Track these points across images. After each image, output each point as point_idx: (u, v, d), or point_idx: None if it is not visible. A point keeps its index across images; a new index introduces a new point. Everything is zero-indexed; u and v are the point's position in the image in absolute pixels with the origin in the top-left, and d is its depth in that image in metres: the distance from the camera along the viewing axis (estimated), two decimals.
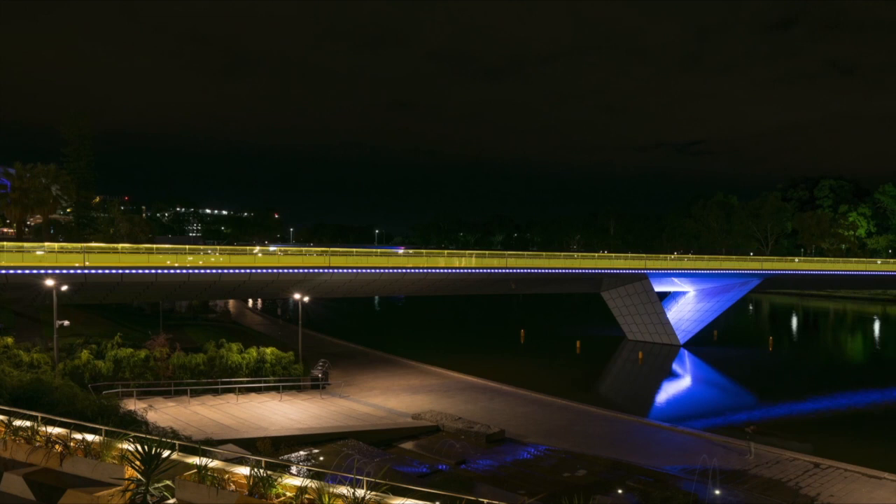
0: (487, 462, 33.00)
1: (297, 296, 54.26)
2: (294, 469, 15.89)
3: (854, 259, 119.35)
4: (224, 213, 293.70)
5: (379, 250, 68.04)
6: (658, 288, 76.27)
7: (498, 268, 65.78)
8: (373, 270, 58.67)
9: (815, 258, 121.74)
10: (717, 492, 28.31)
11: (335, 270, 56.30)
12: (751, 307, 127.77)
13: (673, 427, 41.70)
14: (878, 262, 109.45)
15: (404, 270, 60.51)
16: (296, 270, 54.93)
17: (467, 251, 70.77)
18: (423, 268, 61.63)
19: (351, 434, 35.78)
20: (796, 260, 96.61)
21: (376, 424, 38.34)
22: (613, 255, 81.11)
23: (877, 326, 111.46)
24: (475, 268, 64.72)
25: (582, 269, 71.33)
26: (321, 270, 55.75)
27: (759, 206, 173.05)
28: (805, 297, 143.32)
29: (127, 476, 14.96)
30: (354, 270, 57.56)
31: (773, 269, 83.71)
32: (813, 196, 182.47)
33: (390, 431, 37.38)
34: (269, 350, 49.41)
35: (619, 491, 28.44)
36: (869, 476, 31.42)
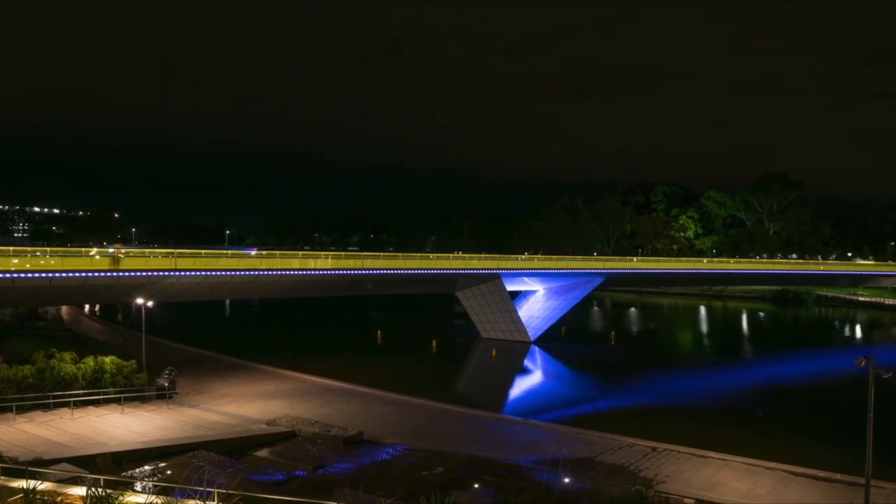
0: (346, 465, 32.61)
1: (140, 300, 50.88)
2: (138, 485, 14.89)
3: (684, 259, 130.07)
4: (56, 211, 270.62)
5: (230, 251, 65.29)
6: (510, 287, 79.00)
7: (354, 269, 65.31)
8: (223, 273, 56.20)
9: (651, 258, 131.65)
10: (567, 479, 29.73)
11: (182, 273, 53.38)
12: (595, 304, 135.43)
13: (525, 421, 43.30)
14: (705, 261, 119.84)
15: (257, 272, 58.53)
16: (138, 273, 51.51)
17: (323, 252, 69.80)
18: (276, 269, 59.92)
19: (201, 444, 34.05)
20: (635, 259, 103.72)
21: (228, 433, 36.75)
22: (468, 255, 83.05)
23: (703, 319, 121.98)
24: (331, 269, 63.83)
25: (437, 269, 72.44)
26: (167, 273, 52.67)
27: (601, 210, 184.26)
28: (643, 293, 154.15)
29: None
30: (203, 273, 54.84)
31: (614, 269, 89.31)
32: (649, 200, 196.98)
33: (243, 439, 35.98)
34: (108, 359, 45.98)
35: (476, 486, 29.08)
36: (698, 456, 34.24)
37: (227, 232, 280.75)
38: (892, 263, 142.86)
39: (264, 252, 66.28)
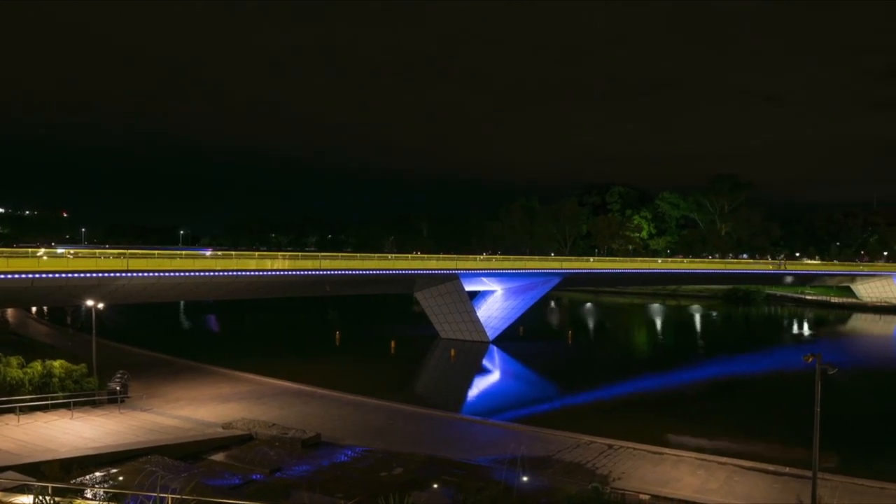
0: (303, 468, 32.31)
1: (90, 302, 49.58)
2: (89, 493, 14.50)
3: (639, 259, 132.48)
4: (1, 210, 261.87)
5: (184, 252, 64.20)
6: (468, 287, 79.28)
7: (311, 269, 64.72)
8: (177, 273, 55.14)
9: (607, 258, 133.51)
10: (525, 478, 30.00)
11: (135, 274, 52.22)
12: (552, 304, 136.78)
13: (484, 420, 43.53)
14: (659, 261, 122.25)
15: (212, 273, 57.56)
16: (89, 274, 50.16)
17: (280, 252, 69.02)
18: (232, 270, 59.06)
19: (154, 449, 33.33)
20: (591, 260, 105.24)
21: (183, 437, 36.07)
22: (426, 256, 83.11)
23: (658, 318, 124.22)
24: (288, 270, 63.17)
25: (396, 270, 72.28)
26: (118, 274, 51.44)
27: (558, 210, 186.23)
28: (599, 293, 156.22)
29: None
30: (156, 274, 53.75)
31: (571, 269, 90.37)
32: (605, 201, 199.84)
33: (199, 443, 35.36)
34: (57, 363, 44.60)
35: (435, 486, 29.10)
36: (653, 453, 34.88)
37: (182, 232, 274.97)
38: (837, 263, 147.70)
39: (220, 253, 65.37)
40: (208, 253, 65.28)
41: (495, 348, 77.14)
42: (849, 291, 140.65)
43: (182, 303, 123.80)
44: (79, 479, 28.51)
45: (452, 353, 73.02)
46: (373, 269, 69.94)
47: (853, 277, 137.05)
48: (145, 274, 52.96)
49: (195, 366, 58.57)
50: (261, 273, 60.97)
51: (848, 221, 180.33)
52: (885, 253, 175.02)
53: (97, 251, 63.96)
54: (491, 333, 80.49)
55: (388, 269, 71.50)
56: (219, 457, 34.22)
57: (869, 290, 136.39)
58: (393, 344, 75.95)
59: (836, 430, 37.85)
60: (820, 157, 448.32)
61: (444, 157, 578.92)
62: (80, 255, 53.98)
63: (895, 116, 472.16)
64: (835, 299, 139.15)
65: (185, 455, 33.56)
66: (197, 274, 56.47)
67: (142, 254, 55.03)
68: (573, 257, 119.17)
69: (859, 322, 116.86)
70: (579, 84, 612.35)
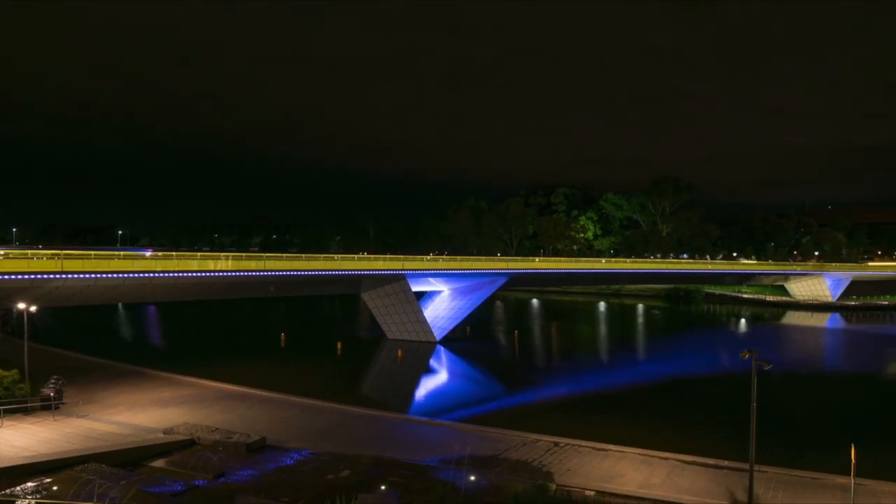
0: (248, 472, 31.73)
1: (22, 305, 47.61)
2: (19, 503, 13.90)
3: (584, 259, 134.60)
4: None
5: (122, 252, 62.19)
6: (415, 288, 79.22)
7: (255, 270, 63.65)
8: (115, 275, 53.48)
9: (553, 258, 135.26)
10: (472, 477, 30.10)
11: (70, 275, 50.40)
12: (498, 303, 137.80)
13: (432, 421, 43.54)
14: (603, 261, 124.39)
15: (152, 275, 56.06)
16: (20, 276, 48.22)
17: (223, 253, 67.48)
18: (174, 271, 57.59)
19: (91, 457, 32.24)
20: (537, 260, 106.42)
21: (121, 444, 35.00)
22: (373, 256, 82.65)
23: (602, 317, 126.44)
24: (231, 270, 61.97)
25: (342, 270, 71.69)
26: (52, 276, 49.57)
27: (504, 211, 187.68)
28: (545, 293, 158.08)
29: None
30: (93, 275, 52.00)
31: (517, 269, 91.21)
32: (550, 202, 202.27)
33: (138, 450, 34.37)
34: None
35: (383, 487, 28.97)
36: (598, 450, 35.49)
37: (120, 232, 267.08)
38: (773, 263, 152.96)
39: (160, 253, 63.62)
40: (148, 253, 63.48)
41: (442, 348, 77.27)
42: (783, 290, 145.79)
43: (121, 305, 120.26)
44: (9, 490, 27.38)
45: (399, 353, 72.84)
46: (318, 270, 69.18)
47: (787, 277, 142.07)
48: (81, 275, 51.17)
49: (135, 370, 56.96)
50: (203, 274, 59.61)
51: (783, 223, 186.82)
52: (817, 253, 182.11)
53: (29, 251, 61.56)
54: (438, 334, 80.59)
55: (334, 270, 70.86)
56: (159, 463, 33.35)
57: (801, 288, 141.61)
58: (339, 345, 75.34)
59: (771, 424, 39.13)
60: (763, 162, 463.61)
61: (399, 156, 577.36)
62: (10, 255, 51.81)
63: (825, 127, 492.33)
64: (770, 297, 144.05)
65: (124, 462, 32.59)
66: (136, 275, 54.92)
67: (77, 254, 53.09)
68: (519, 258, 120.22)
69: (793, 318, 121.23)
70: (537, 86, 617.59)
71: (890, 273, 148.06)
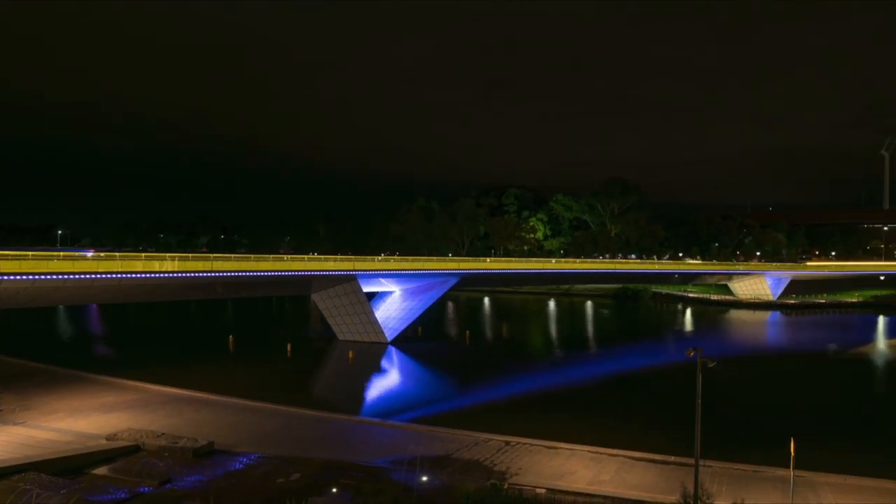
0: (196, 478, 31.05)
1: None
2: None
3: (534, 259, 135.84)
4: None
5: (62, 253, 60.07)
6: (367, 288, 78.75)
7: (203, 271, 62.28)
8: (55, 276, 51.64)
9: (504, 259, 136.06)
10: (424, 478, 30.08)
11: (5, 277, 48.51)
12: (450, 303, 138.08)
13: (383, 422, 43.35)
14: (553, 261, 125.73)
15: (95, 276, 54.34)
16: None
17: (168, 254, 65.73)
18: (117, 273, 55.94)
19: (29, 465, 31.08)
20: (488, 260, 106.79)
21: (61, 451, 33.85)
22: (323, 257, 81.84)
23: (552, 316, 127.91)
24: (177, 272, 60.52)
25: (292, 271, 70.75)
26: None
27: (455, 211, 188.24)
28: (496, 292, 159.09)
29: None
30: (31, 277, 50.12)
31: (468, 269, 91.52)
32: (501, 203, 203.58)
33: (79, 457, 33.27)
34: None
35: (334, 490, 28.70)
36: (548, 448, 35.91)
37: (60, 232, 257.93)
38: (717, 263, 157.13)
39: (103, 254, 61.75)
40: (90, 254, 61.52)
41: (394, 349, 77.00)
42: (727, 289, 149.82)
43: (62, 307, 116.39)
44: None
45: (350, 354, 72.31)
46: (268, 271, 68.16)
47: (731, 276, 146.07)
48: (17, 277, 49.28)
49: (76, 374, 55.20)
50: (148, 275, 58.11)
51: (726, 223, 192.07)
52: (759, 253, 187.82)
53: None
54: (389, 334, 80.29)
55: (284, 271, 69.88)
56: (102, 470, 32.36)
57: (744, 287, 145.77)
58: (289, 347, 74.44)
59: (715, 419, 40.14)
60: (709, 165, 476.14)
61: (356, 157, 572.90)
62: None
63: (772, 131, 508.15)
64: (714, 296, 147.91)
65: (65, 470, 31.53)
66: (78, 277, 53.17)
67: (13, 255, 51.06)
68: (470, 258, 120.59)
69: (735, 316, 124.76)
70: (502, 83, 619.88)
71: (827, 272, 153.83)
